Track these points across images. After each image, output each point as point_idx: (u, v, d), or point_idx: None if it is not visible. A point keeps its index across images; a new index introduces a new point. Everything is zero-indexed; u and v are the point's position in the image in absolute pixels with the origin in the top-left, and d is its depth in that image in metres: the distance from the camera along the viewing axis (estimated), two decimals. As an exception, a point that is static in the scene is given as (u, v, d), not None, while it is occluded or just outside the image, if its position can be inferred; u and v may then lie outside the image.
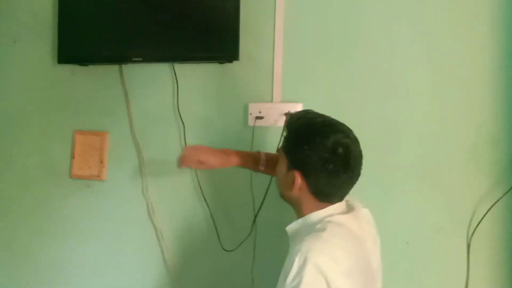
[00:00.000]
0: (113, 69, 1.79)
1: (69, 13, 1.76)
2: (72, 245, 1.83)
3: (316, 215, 1.06)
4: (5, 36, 1.93)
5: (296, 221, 1.11)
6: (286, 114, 1.54)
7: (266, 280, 1.50)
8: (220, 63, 1.65)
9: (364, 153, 1.48)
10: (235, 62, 1.62)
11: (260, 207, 1.52)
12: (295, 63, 1.60)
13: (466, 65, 1.47)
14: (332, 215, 1.05)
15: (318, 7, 1.58)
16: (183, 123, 1.69)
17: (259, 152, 1.41)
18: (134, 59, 1.68)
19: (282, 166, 1.11)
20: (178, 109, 1.70)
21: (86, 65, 1.81)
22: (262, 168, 1.38)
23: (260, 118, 1.59)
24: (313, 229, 1.02)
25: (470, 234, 1.44)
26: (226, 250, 1.59)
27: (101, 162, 1.80)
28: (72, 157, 1.83)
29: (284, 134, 1.14)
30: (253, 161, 1.39)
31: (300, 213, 1.10)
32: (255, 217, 1.55)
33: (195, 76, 1.71)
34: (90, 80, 1.83)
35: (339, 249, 0.99)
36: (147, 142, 1.76)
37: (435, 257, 1.48)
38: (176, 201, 1.71)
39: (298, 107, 1.57)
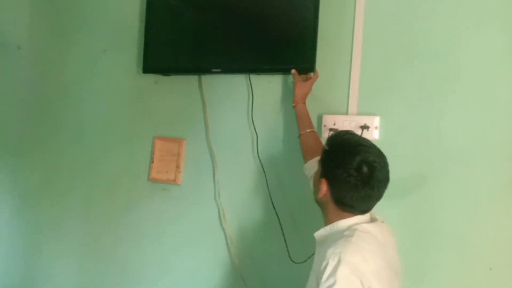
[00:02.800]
0: (192, 79, 1.88)
1: (154, 25, 1.88)
2: (146, 245, 1.93)
3: (344, 223, 1.17)
4: (96, 44, 2.10)
5: (324, 228, 1.21)
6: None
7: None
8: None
9: (447, 171, 1.44)
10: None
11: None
12: (373, 75, 1.57)
13: None
14: (358, 223, 1.15)
15: (399, 18, 1.54)
16: (256, 133, 1.72)
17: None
18: (213, 70, 1.75)
19: (317, 173, 1.25)
20: (252, 119, 1.74)
21: (168, 75, 1.91)
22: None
23: (334, 130, 1.57)
24: (342, 235, 1.12)
25: None
26: (295, 262, 1.58)
27: (178, 167, 1.88)
28: (151, 161, 1.94)
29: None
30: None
31: (326, 219, 1.22)
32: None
33: (270, 87, 1.74)
34: (171, 89, 1.93)
35: (367, 251, 1.09)
36: (221, 150, 1.81)
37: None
38: (247, 208, 1.74)
39: (375, 120, 1.53)
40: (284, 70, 1.65)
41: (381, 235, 1.16)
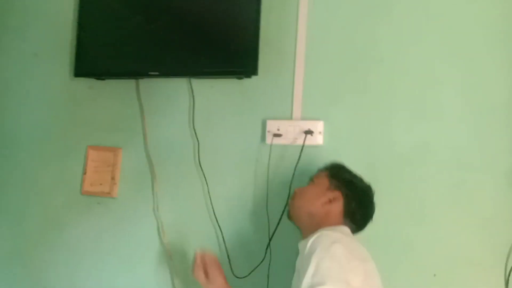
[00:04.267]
0: (130, 84, 1.76)
1: (88, 27, 1.75)
2: (83, 266, 1.75)
3: (329, 227, 1.17)
4: (26, 49, 1.94)
5: (310, 237, 1.11)
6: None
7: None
8: (238, 78, 1.60)
9: (391, 176, 1.41)
10: (253, 78, 1.57)
11: (275, 230, 1.43)
12: (317, 80, 1.53)
13: (503, 86, 1.37)
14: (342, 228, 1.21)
15: (342, 23, 1.53)
16: (197, 140, 1.63)
17: None
18: (150, 73, 1.64)
19: (319, 186, 1.27)
20: (194, 126, 1.64)
21: (103, 79, 1.78)
22: None
23: (278, 135, 1.51)
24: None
25: (508, 270, 1.29)
26: (237, 277, 1.48)
27: (113, 178, 1.74)
28: (84, 172, 1.78)
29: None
30: None
31: (314, 228, 1.15)
32: (270, 240, 1.45)
33: (212, 92, 1.66)
34: (107, 95, 1.80)
35: (352, 243, 1.12)
36: (160, 159, 1.70)
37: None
38: (188, 222, 1.63)
39: (318, 125, 1.49)
40: (226, 74, 1.58)
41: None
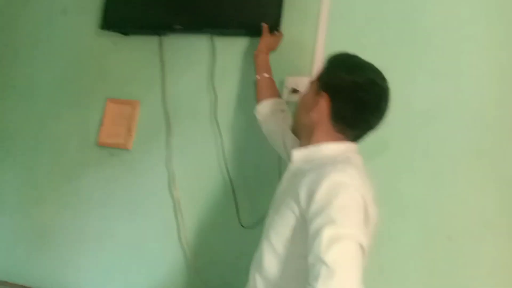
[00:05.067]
0: (153, 41, 1.78)
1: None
2: (88, 213, 1.76)
3: (332, 147, 1.03)
4: (55, 6, 1.99)
5: (306, 147, 1.05)
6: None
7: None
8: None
9: (408, 135, 1.38)
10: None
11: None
12: (339, 38, 1.52)
13: None
14: (349, 151, 1.03)
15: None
16: (215, 94, 1.63)
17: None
18: (174, 27, 1.66)
19: (310, 92, 1.09)
20: (213, 82, 1.65)
21: (127, 34, 1.82)
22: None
23: (296, 91, 1.50)
24: (333, 161, 0.97)
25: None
26: (244, 227, 1.46)
27: (129, 130, 1.75)
28: (102, 124, 1.80)
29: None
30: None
31: (309, 140, 1.05)
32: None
33: (234, 50, 1.66)
34: (129, 51, 1.83)
35: (366, 180, 0.97)
36: (177, 113, 1.71)
37: (482, 257, 1.28)
38: (199, 174, 1.62)
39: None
40: (249, 27, 1.58)
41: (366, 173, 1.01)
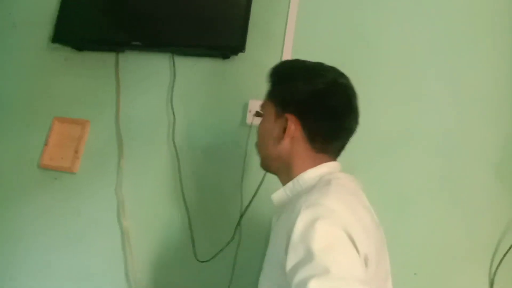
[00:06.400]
0: (109, 58, 1.67)
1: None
2: (26, 244, 1.57)
3: (313, 173, 0.86)
4: (5, 19, 1.85)
5: (285, 186, 0.88)
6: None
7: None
8: (224, 57, 1.53)
9: (370, 163, 1.33)
10: (239, 57, 1.51)
11: (248, 207, 1.30)
12: (304, 63, 1.48)
13: (490, 72, 1.33)
14: (331, 172, 0.86)
15: (332, 9, 1.50)
16: (174, 116, 1.53)
17: None
18: (133, 43, 1.57)
19: (267, 118, 0.92)
20: (172, 103, 1.55)
21: (81, 50, 1.70)
22: None
23: (260, 115, 1.42)
24: (313, 189, 0.80)
25: (494, 268, 1.20)
26: (200, 261, 1.33)
27: (76, 152, 1.60)
28: (46, 144, 1.64)
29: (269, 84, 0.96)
30: None
31: (288, 175, 0.88)
32: (241, 217, 1.32)
33: (195, 71, 1.58)
34: (82, 67, 1.71)
35: (353, 202, 0.79)
36: (131, 135, 1.58)
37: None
38: (153, 202, 1.49)
39: (302, 108, 1.41)
40: (212, 48, 1.51)
41: (357, 190, 0.88)
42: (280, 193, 0.89)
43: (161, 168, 1.50)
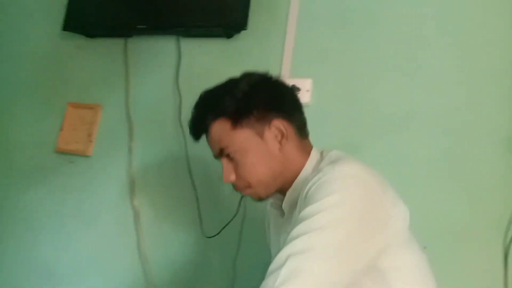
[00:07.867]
0: (118, 44, 1.70)
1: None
2: (41, 225, 1.64)
3: (309, 165, 0.87)
4: (17, 7, 1.91)
5: (291, 189, 0.87)
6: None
7: (251, 273, 1.24)
8: (228, 36, 1.53)
9: (376, 140, 1.30)
10: (242, 36, 1.51)
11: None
12: (308, 38, 1.45)
13: (501, 47, 1.26)
14: (324, 154, 0.89)
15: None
16: (180, 96, 1.54)
17: None
18: (138, 26, 1.59)
19: (249, 144, 0.86)
20: (178, 84, 1.57)
21: (92, 36, 1.74)
22: None
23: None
24: (319, 170, 0.79)
25: (508, 241, 1.15)
26: (207, 236, 1.35)
27: (89, 136, 1.65)
28: (61, 129, 1.70)
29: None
30: None
31: (290, 180, 0.87)
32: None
33: (200, 52, 1.59)
34: (93, 54, 1.75)
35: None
36: (141, 117, 1.62)
37: (460, 267, 1.18)
38: (162, 180, 1.53)
39: (306, 83, 1.40)
40: (215, 27, 1.51)
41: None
42: (287, 198, 0.88)
43: (169, 147, 1.53)
